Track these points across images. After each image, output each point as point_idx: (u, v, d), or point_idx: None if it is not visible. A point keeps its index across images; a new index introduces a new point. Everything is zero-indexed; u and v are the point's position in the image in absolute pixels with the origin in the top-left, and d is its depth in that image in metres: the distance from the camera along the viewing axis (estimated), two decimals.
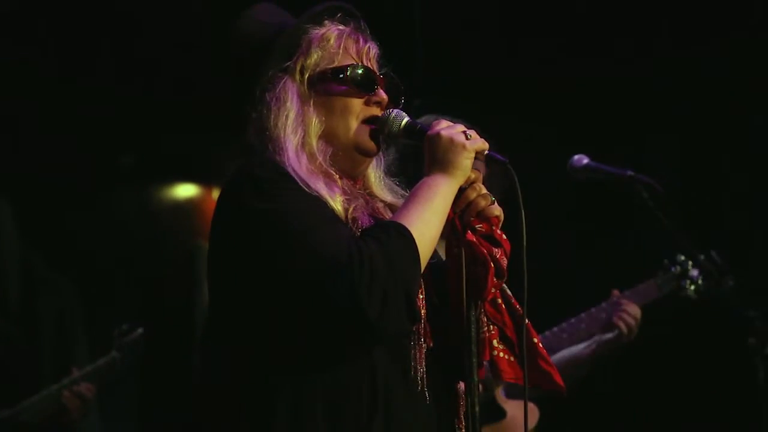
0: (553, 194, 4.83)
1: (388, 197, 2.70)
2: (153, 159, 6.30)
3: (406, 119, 2.63)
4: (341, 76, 2.61)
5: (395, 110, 2.65)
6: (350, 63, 2.63)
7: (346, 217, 2.52)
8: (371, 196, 2.68)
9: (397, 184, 2.74)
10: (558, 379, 2.66)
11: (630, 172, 4.11)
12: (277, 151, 2.53)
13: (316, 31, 2.63)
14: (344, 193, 2.56)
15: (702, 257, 4.45)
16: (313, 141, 2.56)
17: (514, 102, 5.63)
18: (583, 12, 5.71)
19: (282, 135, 2.54)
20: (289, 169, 2.48)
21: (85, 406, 4.59)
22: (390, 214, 2.63)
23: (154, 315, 6.21)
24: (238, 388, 2.46)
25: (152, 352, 4.85)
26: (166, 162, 6.35)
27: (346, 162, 2.63)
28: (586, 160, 4.15)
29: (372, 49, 2.68)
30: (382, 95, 2.65)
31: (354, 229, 2.50)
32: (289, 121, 2.55)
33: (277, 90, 2.58)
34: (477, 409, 2.55)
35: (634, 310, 4.25)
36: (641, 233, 5.09)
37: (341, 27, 2.66)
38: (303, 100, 2.59)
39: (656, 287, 4.45)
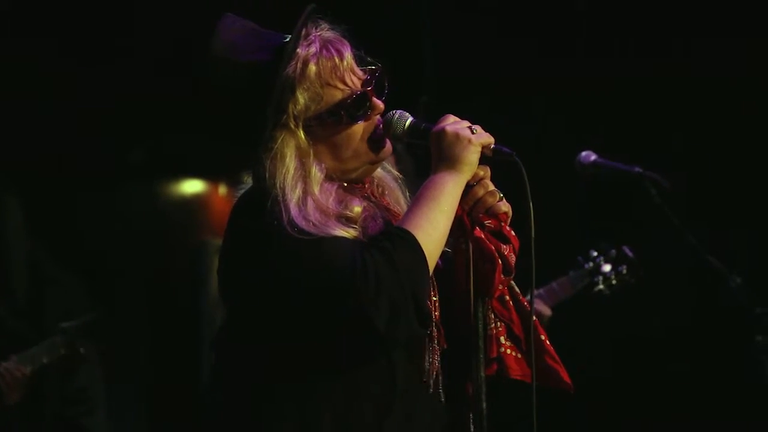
0: (563, 191, 4.83)
1: (393, 184, 2.70)
2: (160, 155, 6.30)
3: (409, 120, 2.61)
4: (338, 114, 2.54)
5: (398, 111, 2.61)
6: (340, 98, 2.54)
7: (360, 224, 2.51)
8: (377, 187, 2.68)
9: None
10: (565, 376, 2.66)
11: (638, 169, 4.12)
12: (281, 205, 2.46)
13: (291, 68, 2.50)
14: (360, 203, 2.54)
15: (613, 252, 4.53)
16: (315, 189, 2.49)
17: (521, 100, 5.63)
18: (591, 11, 5.70)
19: (281, 195, 2.46)
20: (287, 227, 2.42)
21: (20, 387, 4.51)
22: (393, 203, 2.64)
23: (160, 311, 6.22)
24: (249, 389, 2.48)
25: (158, 349, 4.86)
26: (173, 158, 6.35)
27: (360, 174, 2.62)
28: (594, 157, 4.16)
29: (347, 56, 2.57)
30: (379, 105, 2.60)
31: (364, 228, 2.49)
32: (288, 178, 2.48)
33: (275, 149, 2.50)
34: (484, 405, 2.55)
35: (544, 310, 4.38)
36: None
37: (312, 49, 2.53)
38: (302, 152, 2.52)
39: (570, 284, 4.58)
